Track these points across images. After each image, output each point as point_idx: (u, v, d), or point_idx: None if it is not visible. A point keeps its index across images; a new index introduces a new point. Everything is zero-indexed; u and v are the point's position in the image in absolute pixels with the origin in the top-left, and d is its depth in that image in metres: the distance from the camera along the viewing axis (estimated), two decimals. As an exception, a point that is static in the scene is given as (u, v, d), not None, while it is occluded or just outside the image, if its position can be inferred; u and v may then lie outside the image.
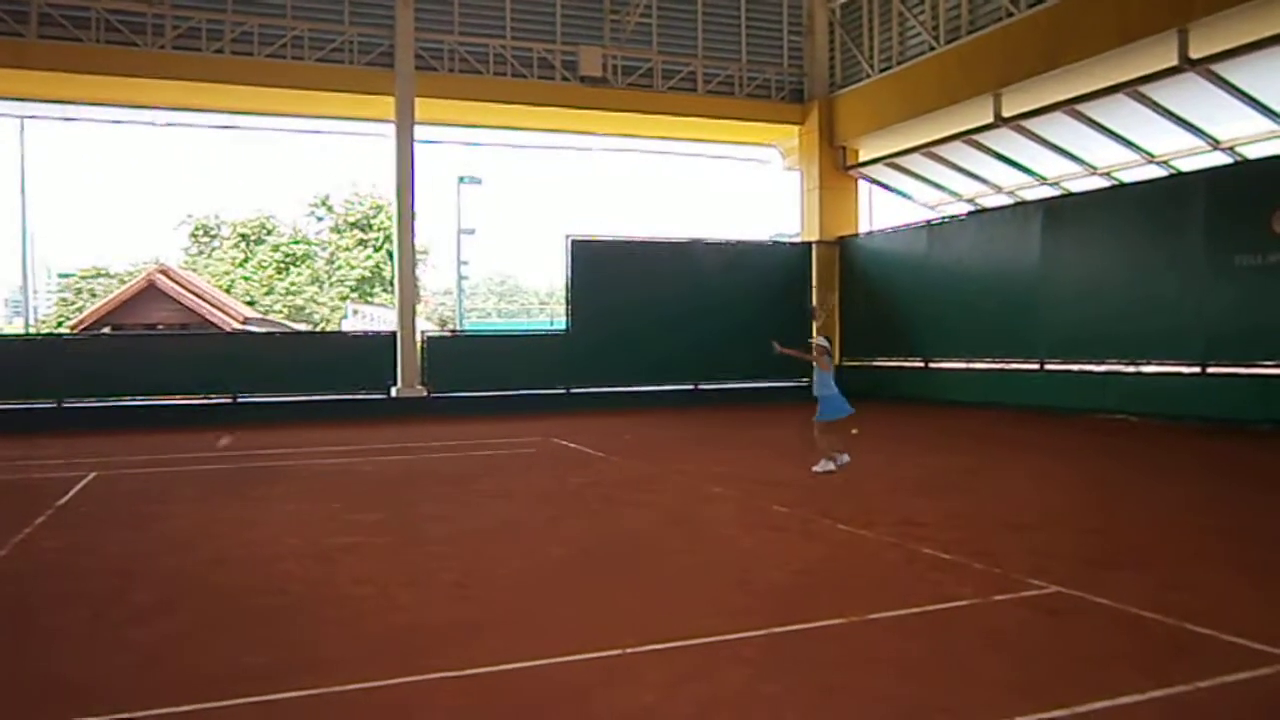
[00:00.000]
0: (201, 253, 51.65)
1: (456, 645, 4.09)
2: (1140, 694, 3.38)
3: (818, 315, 20.07)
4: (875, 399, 17.18)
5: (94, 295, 42.03)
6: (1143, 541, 6.15)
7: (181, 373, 16.74)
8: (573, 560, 5.84)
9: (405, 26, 17.65)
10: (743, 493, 8.13)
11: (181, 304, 32.57)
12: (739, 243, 20.69)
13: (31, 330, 32.60)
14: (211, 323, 31.54)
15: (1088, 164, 17.42)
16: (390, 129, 17.84)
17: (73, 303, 44.42)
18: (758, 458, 10.83)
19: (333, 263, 51.12)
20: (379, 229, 49.28)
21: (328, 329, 41.84)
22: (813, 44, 20.66)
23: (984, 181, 19.46)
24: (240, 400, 16.95)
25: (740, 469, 9.74)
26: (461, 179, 36.44)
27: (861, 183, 21.08)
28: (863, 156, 20.58)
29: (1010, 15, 15.79)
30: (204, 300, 33.85)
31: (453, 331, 29.59)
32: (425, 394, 17.69)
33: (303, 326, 42.38)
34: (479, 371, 18.22)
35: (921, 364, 18.49)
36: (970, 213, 19.49)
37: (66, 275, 48.63)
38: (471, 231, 39.08)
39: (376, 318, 39.93)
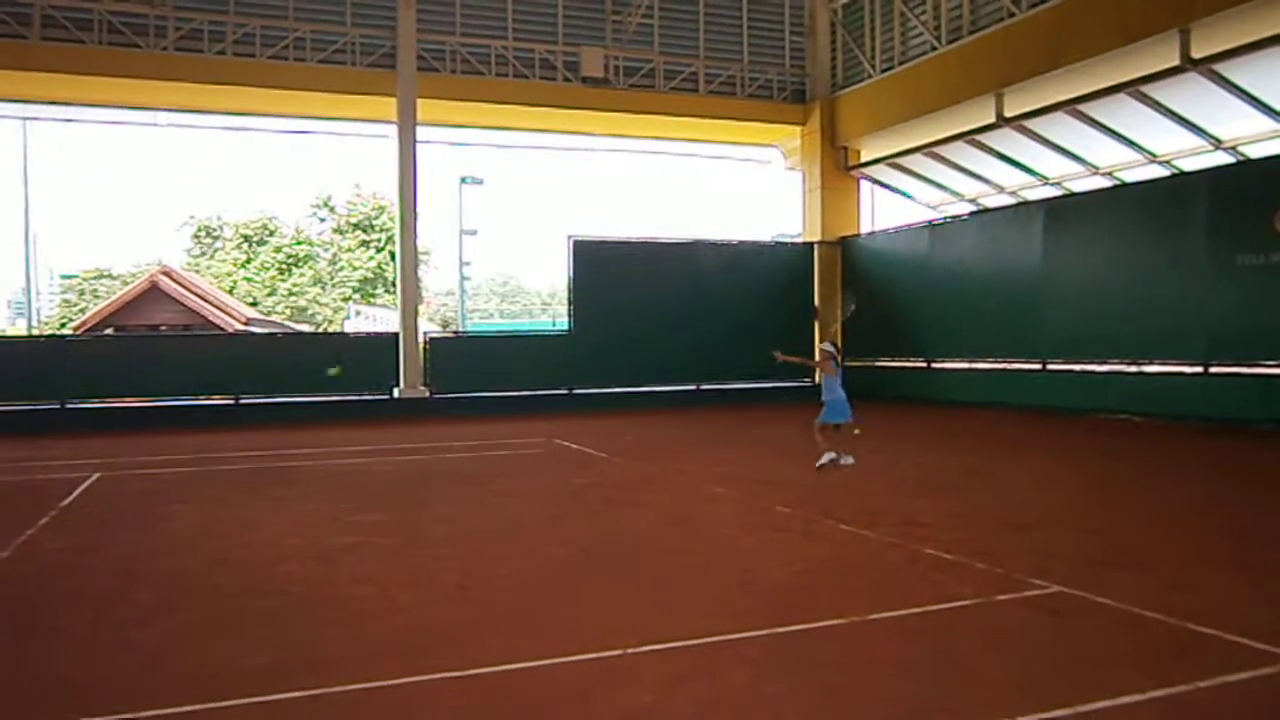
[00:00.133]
0: (204, 254, 51.72)
1: (457, 645, 4.09)
2: (1142, 693, 3.38)
3: (820, 315, 20.09)
4: (877, 399, 17.19)
5: (97, 297, 42.14)
6: (1145, 541, 6.14)
7: (184, 374, 16.77)
8: (574, 560, 5.83)
9: (407, 28, 17.67)
10: (744, 493, 8.13)
11: (184, 305, 32.64)
12: (741, 243, 20.68)
13: (35, 332, 32.65)
14: (214, 324, 31.58)
15: (1090, 164, 17.41)
16: (392, 130, 17.86)
17: (76, 304, 44.55)
18: (759, 458, 10.83)
19: (335, 264, 51.17)
20: (381, 230, 49.34)
21: (330, 330, 41.86)
22: (814, 44, 20.66)
23: (986, 181, 19.45)
24: (242, 401, 16.97)
25: (742, 469, 9.74)
26: (463, 180, 36.50)
27: (863, 183, 21.08)
28: (864, 157, 20.57)
29: (1012, 15, 15.78)
30: (206, 301, 33.90)
31: (455, 332, 29.63)
32: (428, 395, 17.71)
33: (305, 327, 42.40)
34: (481, 372, 18.23)
35: (923, 364, 18.47)
36: (972, 213, 19.49)
37: (69, 277, 48.78)
38: (473, 232, 39.13)
39: (379, 319, 39.96)
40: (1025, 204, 17.28)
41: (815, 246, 20.51)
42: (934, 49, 17.66)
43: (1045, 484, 8.63)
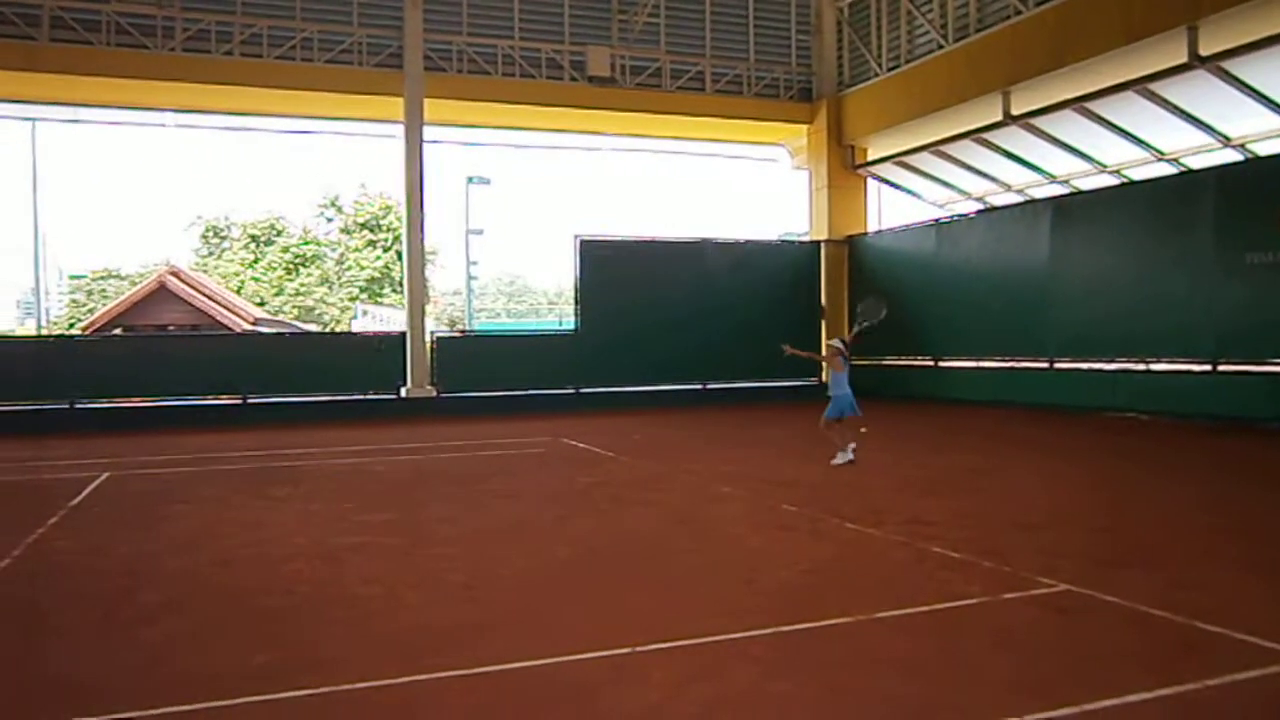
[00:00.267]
0: (211, 254, 51.90)
1: (464, 644, 4.10)
2: (1149, 692, 3.37)
3: (826, 314, 20.07)
4: (884, 397, 17.17)
5: (105, 297, 42.35)
6: (1152, 540, 6.12)
7: (192, 374, 16.83)
8: (581, 560, 5.84)
9: (414, 28, 17.69)
10: (751, 492, 8.12)
11: (192, 305, 32.78)
12: (747, 242, 20.68)
13: (43, 332, 32.78)
14: (222, 324, 31.70)
15: (1097, 162, 17.35)
16: (399, 130, 17.90)
17: (84, 304, 44.77)
18: (766, 457, 10.81)
19: (342, 263, 51.31)
20: (388, 230, 49.45)
21: (337, 329, 41.97)
22: (821, 43, 20.63)
23: (993, 180, 19.40)
24: (250, 401, 17.02)
25: (748, 468, 9.73)
26: (470, 179, 36.59)
27: (870, 181, 21.05)
28: (871, 155, 20.54)
29: (1018, 13, 15.74)
30: (214, 301, 34.05)
31: (462, 332, 29.66)
32: (435, 394, 17.73)
33: (312, 327, 42.52)
34: (488, 371, 18.26)
35: (931, 362, 18.44)
36: (979, 211, 19.44)
37: (78, 277, 49.00)
38: (480, 232, 39.25)
39: (386, 318, 40.06)
40: (1033, 202, 17.23)
41: (822, 245, 20.48)
42: (940, 47, 17.62)
43: (1052, 482, 8.60)
